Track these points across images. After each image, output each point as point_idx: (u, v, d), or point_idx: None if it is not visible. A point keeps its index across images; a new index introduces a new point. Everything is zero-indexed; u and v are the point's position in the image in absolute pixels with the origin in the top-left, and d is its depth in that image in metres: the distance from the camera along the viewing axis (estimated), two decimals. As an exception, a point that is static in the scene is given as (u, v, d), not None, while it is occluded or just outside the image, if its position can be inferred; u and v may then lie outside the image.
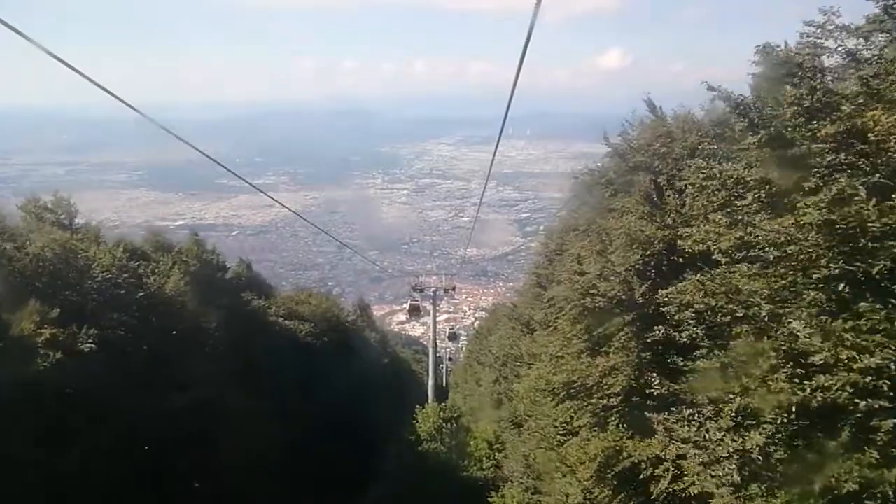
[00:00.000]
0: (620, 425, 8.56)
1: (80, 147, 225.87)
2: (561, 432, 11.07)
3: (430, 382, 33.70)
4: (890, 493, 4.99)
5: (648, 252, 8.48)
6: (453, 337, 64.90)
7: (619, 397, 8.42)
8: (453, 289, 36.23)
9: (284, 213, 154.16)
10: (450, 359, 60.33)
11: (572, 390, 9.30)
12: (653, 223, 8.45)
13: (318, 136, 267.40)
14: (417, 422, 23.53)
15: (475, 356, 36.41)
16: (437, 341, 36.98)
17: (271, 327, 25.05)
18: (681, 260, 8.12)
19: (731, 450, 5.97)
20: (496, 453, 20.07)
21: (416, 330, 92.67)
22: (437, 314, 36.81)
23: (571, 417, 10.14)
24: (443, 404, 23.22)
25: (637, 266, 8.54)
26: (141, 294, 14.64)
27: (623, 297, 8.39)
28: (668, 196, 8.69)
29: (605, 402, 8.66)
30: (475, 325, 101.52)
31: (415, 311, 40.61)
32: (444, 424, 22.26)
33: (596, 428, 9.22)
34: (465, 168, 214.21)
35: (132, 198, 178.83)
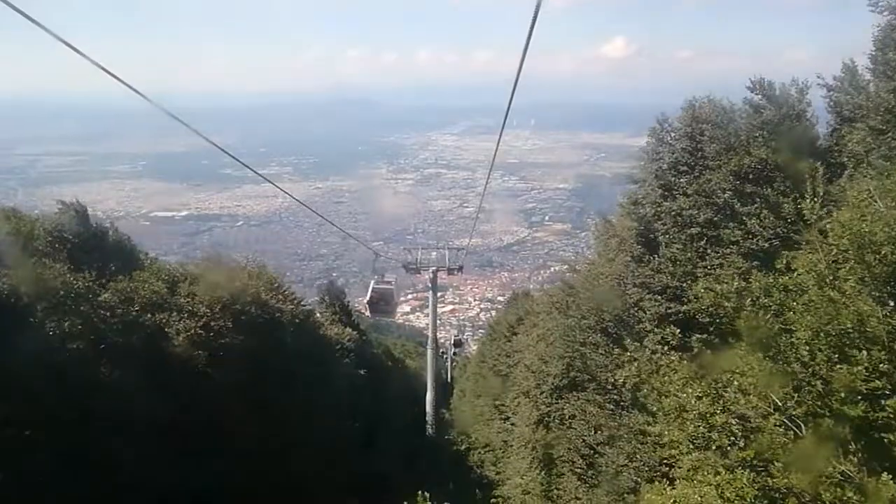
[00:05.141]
0: None
1: (86, 137, 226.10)
2: None
3: (429, 397, 25.30)
4: None
5: None
6: (458, 344, 58.11)
7: None
8: (460, 269, 26.10)
9: (288, 204, 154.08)
10: (454, 353, 58.69)
11: None
12: None
13: (323, 126, 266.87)
14: None
15: (490, 363, 28.31)
16: (442, 332, 32.54)
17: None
18: None
19: None
20: None
21: (420, 321, 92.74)
22: (439, 304, 27.49)
23: None
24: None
25: None
26: None
27: None
28: None
29: None
30: (481, 315, 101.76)
31: (381, 304, 24.47)
32: None
33: None
34: (470, 158, 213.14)
35: (137, 188, 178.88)
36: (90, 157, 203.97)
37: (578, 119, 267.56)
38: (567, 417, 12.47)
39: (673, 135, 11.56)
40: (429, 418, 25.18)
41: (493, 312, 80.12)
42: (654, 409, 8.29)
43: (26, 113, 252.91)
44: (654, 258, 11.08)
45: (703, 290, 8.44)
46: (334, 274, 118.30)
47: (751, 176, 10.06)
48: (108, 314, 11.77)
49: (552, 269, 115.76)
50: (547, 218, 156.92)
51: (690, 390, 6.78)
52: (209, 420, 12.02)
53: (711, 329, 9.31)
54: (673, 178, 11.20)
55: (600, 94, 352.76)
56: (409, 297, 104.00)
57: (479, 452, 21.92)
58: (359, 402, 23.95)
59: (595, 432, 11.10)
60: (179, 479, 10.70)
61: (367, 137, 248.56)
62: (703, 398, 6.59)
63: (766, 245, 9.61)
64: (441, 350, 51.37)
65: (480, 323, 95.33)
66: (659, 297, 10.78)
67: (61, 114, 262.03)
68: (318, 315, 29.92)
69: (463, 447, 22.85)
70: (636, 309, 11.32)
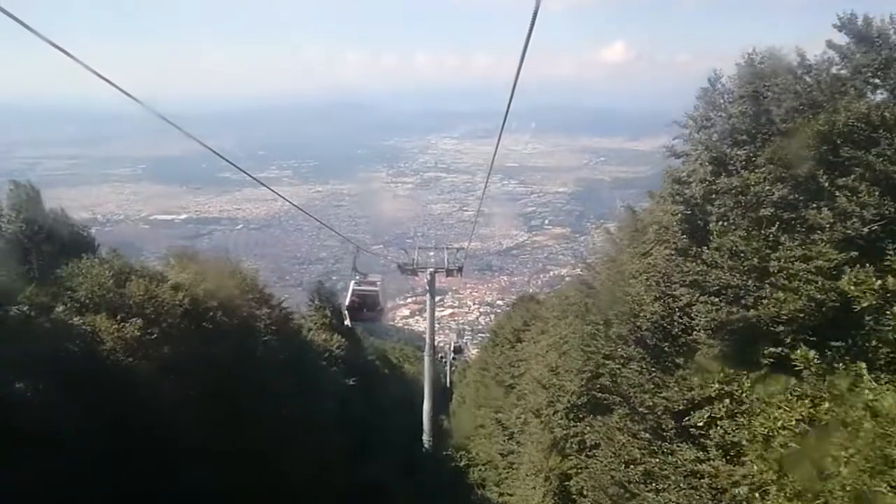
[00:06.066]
0: None
1: (85, 141, 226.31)
2: None
3: (426, 407, 23.53)
4: None
5: None
6: (458, 351, 57.57)
7: None
8: (460, 270, 23.86)
9: (288, 207, 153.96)
10: (454, 357, 58.15)
11: None
12: None
13: (322, 129, 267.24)
14: None
15: (492, 372, 26.24)
16: (441, 335, 30.68)
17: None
18: None
19: None
20: None
21: (419, 325, 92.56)
22: (438, 307, 25.73)
23: None
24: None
25: None
26: None
27: None
28: None
29: None
30: (480, 319, 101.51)
31: (364, 309, 21.46)
32: None
33: None
34: (470, 161, 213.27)
35: (136, 191, 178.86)
36: (89, 161, 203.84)
37: (578, 123, 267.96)
38: (589, 446, 10.53)
39: (727, 97, 9.28)
40: (426, 430, 23.51)
41: (493, 316, 79.96)
42: (717, 441, 6.70)
43: (25, 116, 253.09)
44: (703, 250, 8.79)
45: (852, 287, 6.72)
46: (334, 277, 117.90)
47: (839, 140, 7.79)
48: (32, 313, 9.38)
49: (552, 272, 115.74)
50: (546, 222, 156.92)
51: (843, 452, 4.56)
52: (160, 431, 10.22)
53: (788, 341, 7.47)
54: (728, 150, 8.96)
55: (600, 98, 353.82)
56: (409, 300, 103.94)
57: (481, 469, 20.27)
58: (349, 412, 21.74)
59: (626, 467, 9.06)
60: (123, 491, 9.01)
61: (366, 141, 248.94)
62: (857, 458, 4.44)
63: (866, 230, 7.54)
64: (440, 354, 51.06)
65: (480, 327, 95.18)
66: (716, 300, 8.55)
67: (60, 117, 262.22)
68: (302, 319, 27.25)
69: (462, 463, 21.12)
70: (681, 315, 9.11)
